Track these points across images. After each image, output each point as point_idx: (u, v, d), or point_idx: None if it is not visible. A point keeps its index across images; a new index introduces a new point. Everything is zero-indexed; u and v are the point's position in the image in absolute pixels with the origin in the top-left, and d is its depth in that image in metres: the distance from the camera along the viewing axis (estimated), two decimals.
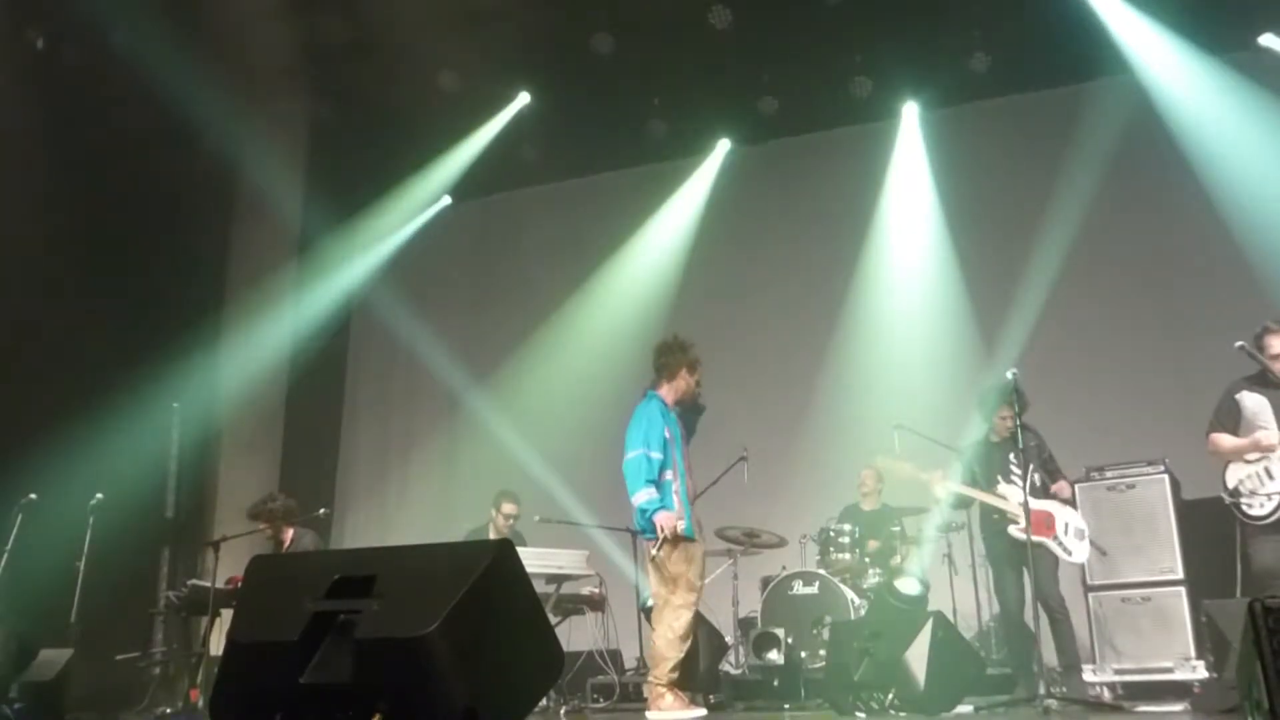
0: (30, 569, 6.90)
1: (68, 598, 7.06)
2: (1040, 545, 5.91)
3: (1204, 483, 6.03)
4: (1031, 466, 6.00)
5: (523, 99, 9.84)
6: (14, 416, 7.93)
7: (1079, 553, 6.01)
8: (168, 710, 6.77)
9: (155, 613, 7.92)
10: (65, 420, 7.81)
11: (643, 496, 5.55)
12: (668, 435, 5.71)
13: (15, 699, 6.34)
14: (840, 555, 7.27)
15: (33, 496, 7.05)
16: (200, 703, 6.69)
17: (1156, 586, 6.18)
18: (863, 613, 6.79)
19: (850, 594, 6.90)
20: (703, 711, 5.63)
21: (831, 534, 7.37)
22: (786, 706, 6.44)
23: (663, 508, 5.54)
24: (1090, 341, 8.65)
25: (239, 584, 5.34)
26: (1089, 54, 8.62)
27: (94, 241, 8.53)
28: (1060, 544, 5.96)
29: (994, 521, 6.10)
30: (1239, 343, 5.64)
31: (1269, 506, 5.56)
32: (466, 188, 10.57)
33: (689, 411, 6.02)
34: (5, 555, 6.81)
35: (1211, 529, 5.94)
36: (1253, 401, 5.72)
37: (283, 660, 2.70)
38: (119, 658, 7.42)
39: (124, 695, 7.43)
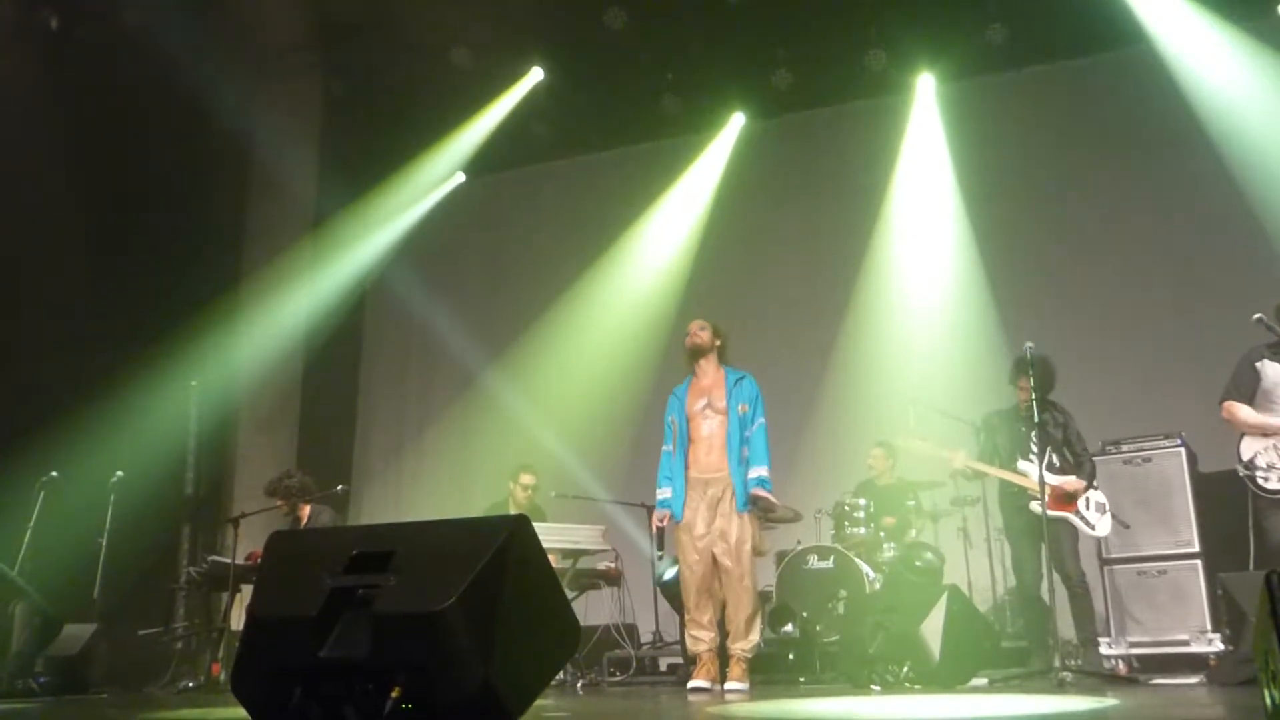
0: (53, 546, 6.98)
1: (90, 574, 7.15)
2: (1063, 520, 5.90)
3: (1220, 456, 5.99)
4: (1050, 447, 5.96)
5: (535, 75, 9.82)
6: (35, 396, 8.01)
7: (1101, 526, 6.01)
8: (190, 684, 6.85)
9: (176, 588, 7.99)
10: (85, 399, 7.89)
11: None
12: None
13: (40, 673, 6.45)
14: (855, 530, 7.28)
15: (54, 474, 7.14)
16: (222, 677, 6.77)
17: (1173, 559, 6.18)
18: (878, 587, 6.81)
19: (865, 568, 6.91)
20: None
21: (846, 508, 7.37)
22: (802, 680, 6.47)
23: None
24: (1107, 314, 8.60)
25: (258, 559, 5.39)
26: (1106, 24, 8.52)
27: (110, 221, 8.58)
28: (1083, 518, 5.95)
29: (1013, 496, 6.07)
30: (1257, 315, 5.55)
31: None
32: (480, 164, 10.56)
33: None
34: (28, 532, 6.89)
35: (1228, 502, 5.91)
36: (1274, 371, 5.62)
37: (302, 635, 2.73)
38: (141, 633, 7.52)
39: (147, 669, 7.52)
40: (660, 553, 6.02)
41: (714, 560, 5.72)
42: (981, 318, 8.76)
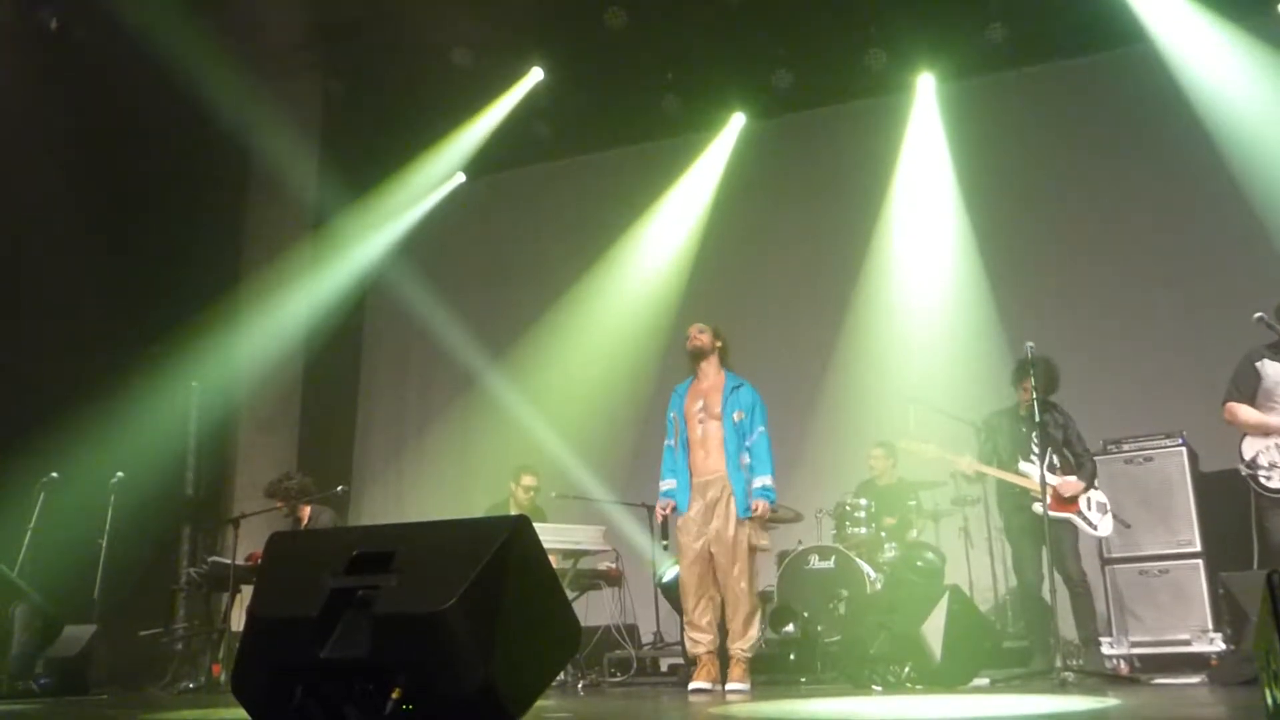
0: (53, 547, 6.99)
1: (91, 575, 7.15)
2: (1064, 520, 5.90)
3: (1222, 455, 6.00)
4: (1050, 449, 5.95)
5: (535, 75, 9.82)
6: (35, 397, 8.00)
7: (1103, 526, 6.01)
8: (190, 685, 6.84)
9: (177, 589, 8.00)
10: (85, 400, 7.88)
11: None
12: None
13: (41, 674, 6.45)
14: (856, 530, 7.28)
15: (55, 475, 7.15)
16: (222, 677, 6.77)
17: (1174, 559, 6.18)
18: (879, 587, 6.80)
19: (866, 568, 6.91)
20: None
21: (847, 509, 7.37)
22: (803, 680, 6.46)
23: None
24: (1107, 314, 8.60)
25: (259, 560, 5.39)
26: (1106, 24, 8.52)
27: (110, 222, 8.57)
28: (1085, 518, 5.95)
29: (1014, 496, 6.06)
30: (1258, 314, 5.55)
31: None
32: (480, 164, 10.56)
33: None
34: (29, 534, 6.90)
35: (1229, 501, 5.91)
36: (1274, 370, 5.62)
37: (302, 636, 2.73)
38: (142, 633, 7.51)
39: (147, 670, 7.52)
40: (665, 542, 6.05)
41: (711, 560, 5.72)
42: (981, 318, 8.75)
